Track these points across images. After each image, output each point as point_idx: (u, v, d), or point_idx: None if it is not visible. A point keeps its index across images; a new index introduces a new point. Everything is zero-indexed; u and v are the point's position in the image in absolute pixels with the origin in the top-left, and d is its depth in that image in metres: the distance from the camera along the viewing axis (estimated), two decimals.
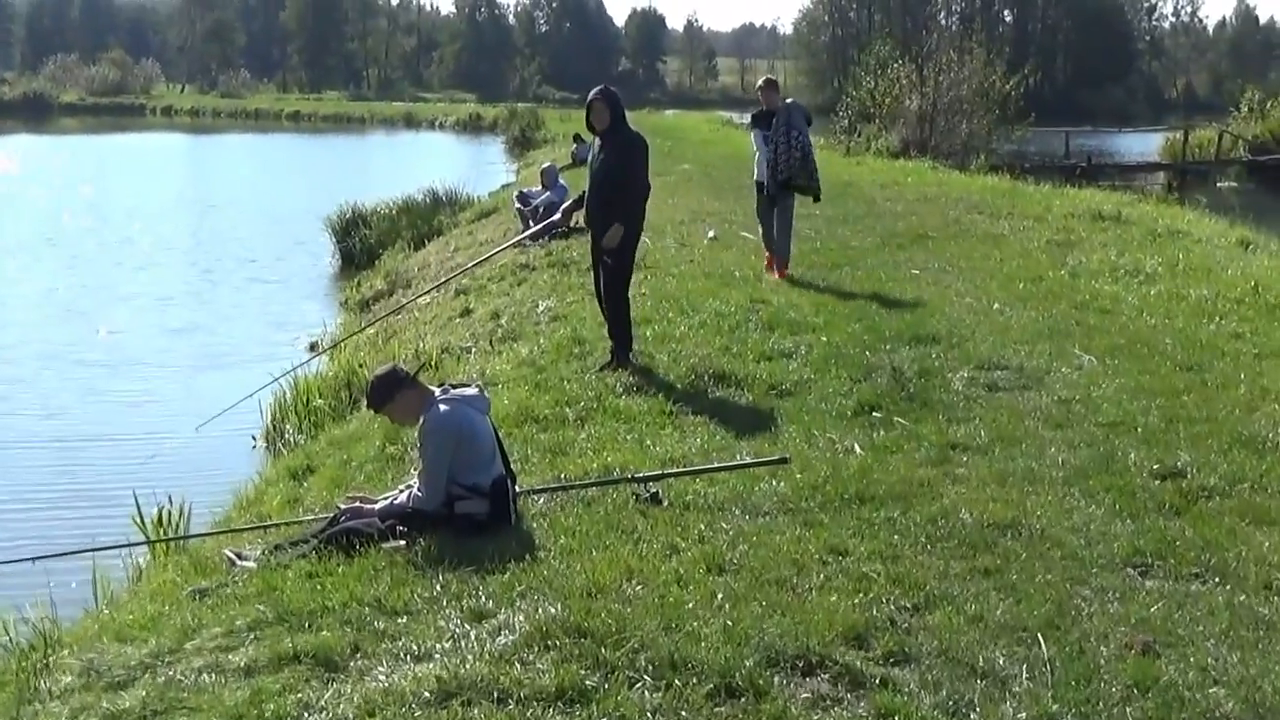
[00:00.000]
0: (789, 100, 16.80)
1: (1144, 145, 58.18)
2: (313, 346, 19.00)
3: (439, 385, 7.48)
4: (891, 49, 47.83)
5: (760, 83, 17.23)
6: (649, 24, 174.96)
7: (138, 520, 10.46)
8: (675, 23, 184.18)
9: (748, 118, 76.32)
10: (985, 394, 10.32)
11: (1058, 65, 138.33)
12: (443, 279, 15.68)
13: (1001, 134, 43.85)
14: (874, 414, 9.70)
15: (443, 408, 7.26)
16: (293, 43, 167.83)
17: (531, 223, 19.90)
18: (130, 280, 26.20)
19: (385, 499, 7.49)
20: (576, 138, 34.04)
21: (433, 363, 14.27)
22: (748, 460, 8.27)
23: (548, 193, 21.22)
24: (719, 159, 37.00)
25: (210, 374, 18.22)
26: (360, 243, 27.33)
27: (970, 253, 17.87)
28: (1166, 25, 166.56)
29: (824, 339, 12.29)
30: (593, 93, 11.64)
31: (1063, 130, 55.18)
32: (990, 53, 45.78)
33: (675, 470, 8.06)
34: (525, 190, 22.20)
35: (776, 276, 15.90)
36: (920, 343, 12.11)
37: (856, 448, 8.85)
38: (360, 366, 14.95)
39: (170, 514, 10.38)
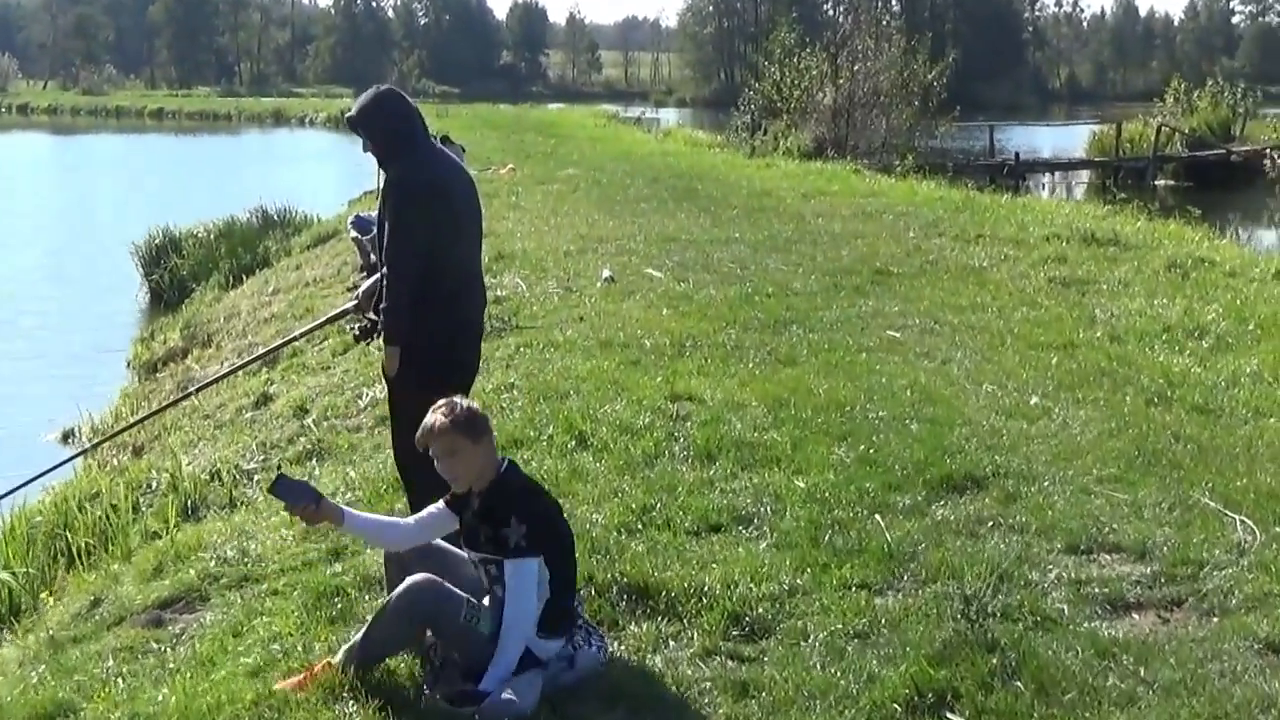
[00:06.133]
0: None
1: (1064, 139, 54.18)
2: (66, 436, 14.03)
3: None
4: (799, 36, 43.21)
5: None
6: (530, 17, 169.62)
7: None
8: (557, 16, 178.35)
9: (633, 112, 71.33)
10: (1128, 634, 5.67)
11: (946, 56, 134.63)
12: (212, 377, 10.74)
13: (923, 130, 39.45)
14: (949, 714, 5.01)
15: None
16: (161, 37, 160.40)
17: (373, 255, 15.05)
18: None
19: None
20: (444, 140, 27.21)
21: (194, 500, 9.42)
22: None
23: None
24: (609, 160, 32.25)
25: None
26: (170, 275, 22.11)
27: (954, 299, 13.30)
28: (1048, 15, 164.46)
29: (798, 481, 7.60)
30: (352, 107, 6.86)
31: (972, 124, 51.36)
32: (911, 39, 41.48)
33: None
34: (364, 215, 16.92)
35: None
36: (954, 489, 7.46)
37: None
38: (88, 502, 10.03)
39: None
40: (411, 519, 5.89)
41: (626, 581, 6.20)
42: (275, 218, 24.31)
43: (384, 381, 7.18)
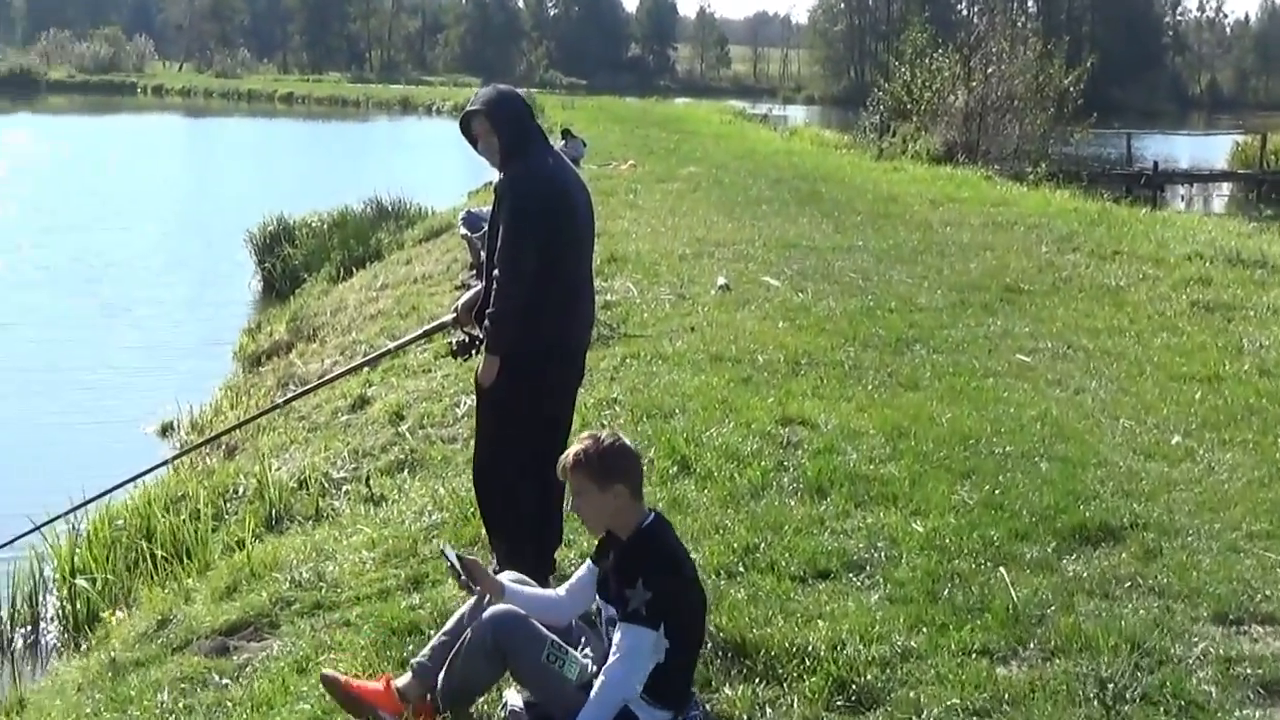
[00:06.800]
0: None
1: (1202, 149, 52.52)
2: (164, 430, 13.79)
3: None
4: (932, 36, 42.23)
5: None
6: (660, 10, 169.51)
7: None
8: (687, 9, 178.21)
9: (760, 108, 70.12)
10: None
11: (1083, 60, 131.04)
12: (310, 385, 10.34)
13: (1058, 136, 38.29)
14: None
15: None
16: (294, 22, 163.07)
17: (482, 254, 14.60)
18: None
19: None
20: (566, 134, 26.52)
21: (279, 509, 9.05)
22: None
23: None
24: (732, 159, 31.71)
25: None
26: (283, 264, 21.91)
27: (1089, 321, 12.59)
28: (1190, 19, 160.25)
29: (916, 524, 7.00)
30: (472, 100, 6.41)
31: (1108, 131, 49.92)
32: (1048, 42, 40.30)
33: None
34: (475, 210, 16.46)
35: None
36: (1087, 540, 6.82)
37: None
38: (172, 505, 9.71)
39: None
40: (563, 589, 5.34)
41: (723, 636, 5.64)
42: (389, 209, 24.00)
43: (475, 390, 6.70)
